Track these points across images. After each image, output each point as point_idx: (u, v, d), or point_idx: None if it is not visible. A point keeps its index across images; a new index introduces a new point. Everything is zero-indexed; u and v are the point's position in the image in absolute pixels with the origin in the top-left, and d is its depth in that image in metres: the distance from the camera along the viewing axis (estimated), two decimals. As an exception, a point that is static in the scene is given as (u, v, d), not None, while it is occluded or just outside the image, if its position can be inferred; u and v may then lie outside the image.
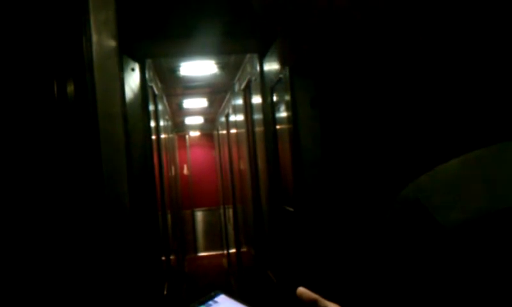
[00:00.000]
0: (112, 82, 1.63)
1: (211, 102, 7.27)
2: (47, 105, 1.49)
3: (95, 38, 1.49)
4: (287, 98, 2.77)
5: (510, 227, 0.36)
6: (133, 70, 3.02)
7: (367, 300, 0.46)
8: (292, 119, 2.72)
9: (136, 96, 3.03)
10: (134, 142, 2.71)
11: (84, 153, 1.61)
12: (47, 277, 1.47)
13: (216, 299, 0.69)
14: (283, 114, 2.96)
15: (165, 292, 3.67)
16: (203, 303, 0.68)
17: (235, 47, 3.62)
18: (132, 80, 2.97)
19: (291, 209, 2.84)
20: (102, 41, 1.52)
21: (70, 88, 1.55)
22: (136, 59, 3.07)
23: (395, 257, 0.42)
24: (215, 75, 5.37)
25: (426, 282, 0.39)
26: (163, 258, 3.81)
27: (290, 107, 2.72)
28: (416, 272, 0.40)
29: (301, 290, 0.64)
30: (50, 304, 1.46)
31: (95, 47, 1.50)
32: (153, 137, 3.86)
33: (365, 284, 0.47)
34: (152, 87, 4.00)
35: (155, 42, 3.32)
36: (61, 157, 1.55)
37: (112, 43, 1.58)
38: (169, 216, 4.86)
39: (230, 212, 7.21)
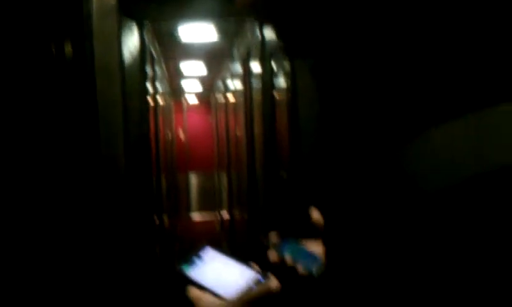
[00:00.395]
0: (110, 42, 1.62)
1: (209, 68, 7.21)
2: (46, 63, 1.49)
3: (94, -4, 1.47)
4: (286, 66, 2.76)
5: (494, 190, 0.38)
6: (131, 31, 2.98)
7: (353, 270, 0.47)
8: (290, 88, 2.72)
9: (134, 58, 3.00)
10: (130, 105, 2.71)
11: (81, 112, 1.61)
12: (42, 234, 1.50)
13: (203, 254, 0.72)
14: (281, 82, 2.96)
15: (158, 252, 3.73)
16: (190, 260, 0.70)
17: (234, 10, 3.57)
18: (131, 42, 2.94)
19: (285, 176, 2.87)
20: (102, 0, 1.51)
21: (68, 47, 1.54)
22: (134, 20, 3.03)
23: (378, 225, 0.43)
24: (215, 41, 5.31)
25: (408, 249, 0.40)
26: (156, 219, 3.86)
27: (289, 75, 2.72)
28: (400, 239, 0.41)
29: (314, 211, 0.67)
30: (43, 259, 1.49)
31: (94, 5, 1.49)
32: (150, 100, 3.85)
33: (352, 254, 0.48)
34: (150, 50, 3.96)
35: (155, 3, 3.27)
36: (58, 116, 1.55)
37: (111, 1, 1.56)
38: (163, 179, 4.89)
39: (225, 177, 7.26)
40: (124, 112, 2.37)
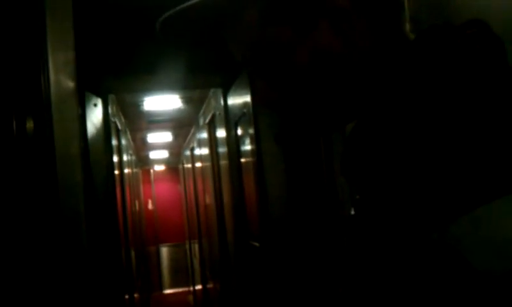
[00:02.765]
0: (70, 121, 1.61)
1: (176, 136, 7.23)
2: (5, 141, 1.46)
3: (53, 78, 1.47)
4: (251, 132, 2.78)
5: None
6: (95, 105, 2.97)
7: None
8: (256, 154, 2.73)
9: (98, 131, 2.97)
10: (96, 178, 2.65)
11: (40, 188, 1.56)
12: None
13: None
14: (247, 148, 2.97)
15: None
16: None
17: (198, 82, 3.63)
18: (95, 116, 2.92)
19: (257, 244, 2.81)
20: (61, 81, 1.50)
21: (29, 125, 1.52)
22: (98, 95, 3.03)
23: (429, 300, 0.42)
24: (179, 110, 5.36)
25: None
26: (126, 296, 3.69)
27: (254, 141, 2.74)
28: None
29: None
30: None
31: (53, 87, 1.48)
32: (117, 172, 3.79)
33: None
34: (115, 122, 3.95)
35: (119, 78, 3.30)
36: (17, 192, 1.49)
37: (70, 83, 1.57)
38: (133, 253, 4.74)
39: (196, 247, 7.10)
40: (86, 186, 2.31)
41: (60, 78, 1.49)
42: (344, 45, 0.54)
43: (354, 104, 0.57)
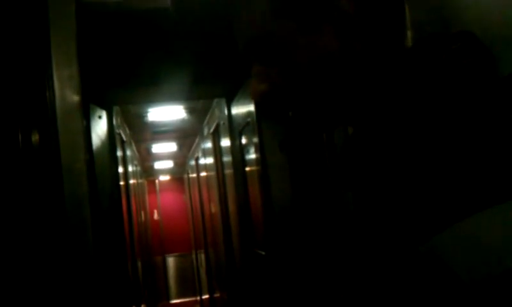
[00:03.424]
0: (76, 133, 1.63)
1: (180, 146, 7.25)
2: (12, 154, 1.47)
3: (58, 91, 1.50)
4: (255, 141, 2.80)
5: None
6: (100, 117, 3.00)
7: None
8: (260, 162, 2.74)
9: (103, 143, 3.00)
10: (101, 189, 2.66)
11: (46, 199, 1.58)
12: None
13: None
14: (252, 157, 2.98)
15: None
16: None
17: (202, 93, 3.65)
18: (99, 128, 2.94)
19: (263, 253, 2.82)
20: (66, 94, 1.53)
21: (35, 138, 1.54)
22: (103, 107, 3.06)
23: None
24: (183, 120, 5.38)
25: None
26: (133, 308, 3.70)
27: (259, 150, 2.75)
28: None
29: None
30: None
31: (58, 100, 1.51)
32: (122, 183, 3.81)
33: None
34: (120, 133, 3.97)
35: (123, 90, 3.32)
36: (23, 204, 1.51)
37: (75, 96, 1.59)
38: (139, 263, 4.74)
39: (203, 256, 7.09)
40: (92, 197, 2.33)
41: (65, 92, 1.51)
42: (344, 49, 0.55)
43: (349, 107, 0.58)
